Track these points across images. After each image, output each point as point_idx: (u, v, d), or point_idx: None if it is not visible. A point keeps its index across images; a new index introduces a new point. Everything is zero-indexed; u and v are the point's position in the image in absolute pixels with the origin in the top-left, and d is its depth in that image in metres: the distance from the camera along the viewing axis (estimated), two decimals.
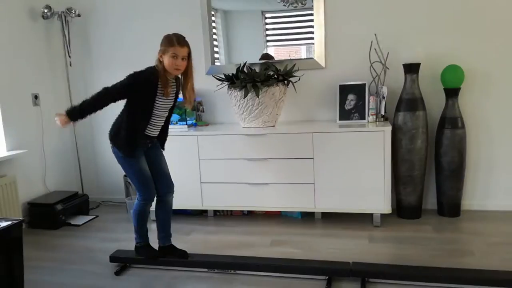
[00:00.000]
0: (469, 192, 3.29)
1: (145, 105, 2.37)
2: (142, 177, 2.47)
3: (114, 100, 2.37)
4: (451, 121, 3.05)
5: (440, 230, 2.97)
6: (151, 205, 2.56)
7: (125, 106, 2.43)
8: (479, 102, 3.17)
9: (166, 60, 2.31)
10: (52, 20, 3.70)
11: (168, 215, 2.63)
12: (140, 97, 2.35)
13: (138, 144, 2.43)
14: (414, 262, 2.46)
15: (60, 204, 3.46)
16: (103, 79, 3.84)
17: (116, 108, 2.46)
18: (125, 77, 2.36)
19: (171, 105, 2.50)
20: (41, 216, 3.42)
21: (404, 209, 3.18)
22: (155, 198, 2.57)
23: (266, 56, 3.52)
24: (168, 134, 2.66)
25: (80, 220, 3.56)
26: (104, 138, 3.89)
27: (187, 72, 2.41)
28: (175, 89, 2.48)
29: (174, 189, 2.64)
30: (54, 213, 3.39)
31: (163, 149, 2.64)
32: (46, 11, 3.60)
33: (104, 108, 2.38)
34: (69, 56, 3.78)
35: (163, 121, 2.52)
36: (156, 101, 2.37)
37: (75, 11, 3.66)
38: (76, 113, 2.37)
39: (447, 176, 3.12)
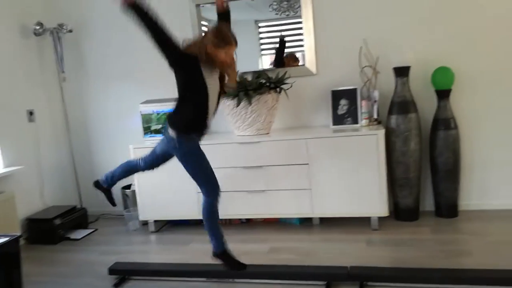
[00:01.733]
0: (466, 192, 3.30)
1: (196, 81, 2.28)
2: (209, 168, 2.40)
3: (165, 39, 2.22)
4: (444, 122, 3.07)
5: (438, 231, 2.97)
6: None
7: (179, 93, 2.34)
8: (471, 102, 3.19)
9: (220, 54, 2.27)
10: (44, 36, 3.73)
11: None
12: (188, 72, 2.27)
13: (202, 126, 2.39)
14: (412, 264, 2.46)
15: (59, 219, 3.46)
16: (99, 93, 3.89)
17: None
18: None
19: (218, 88, 2.42)
20: (40, 231, 3.43)
21: (402, 211, 3.19)
22: None
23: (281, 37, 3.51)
24: None
25: (79, 234, 3.56)
26: (101, 149, 3.94)
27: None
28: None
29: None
30: (52, 228, 3.39)
31: None
32: (37, 28, 3.63)
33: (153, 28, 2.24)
34: (63, 72, 3.80)
35: (216, 106, 2.44)
36: (205, 79, 2.29)
37: (66, 27, 3.68)
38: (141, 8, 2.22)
39: (443, 177, 3.14)
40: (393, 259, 2.60)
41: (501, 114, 3.16)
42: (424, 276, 2.25)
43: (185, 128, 2.35)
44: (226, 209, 3.26)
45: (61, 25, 3.68)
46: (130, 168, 2.70)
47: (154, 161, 2.62)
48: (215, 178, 2.42)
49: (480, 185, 3.28)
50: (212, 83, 2.34)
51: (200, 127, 2.39)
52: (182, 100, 2.35)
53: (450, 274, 2.25)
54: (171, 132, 2.35)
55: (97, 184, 2.78)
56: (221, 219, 3.44)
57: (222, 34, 2.30)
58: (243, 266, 2.46)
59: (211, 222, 2.42)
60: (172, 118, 2.39)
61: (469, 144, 3.23)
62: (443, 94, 3.07)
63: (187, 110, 2.34)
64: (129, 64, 3.76)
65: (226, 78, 2.46)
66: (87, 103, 3.94)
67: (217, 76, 2.39)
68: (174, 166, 3.21)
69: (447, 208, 3.18)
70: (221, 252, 2.44)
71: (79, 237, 3.50)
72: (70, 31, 3.73)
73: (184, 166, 2.41)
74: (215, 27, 2.37)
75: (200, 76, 2.27)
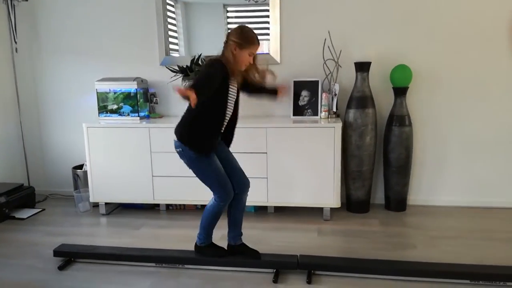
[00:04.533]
0: (415, 188, 3.43)
1: (220, 97, 2.22)
2: (221, 177, 2.32)
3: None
4: (399, 119, 3.16)
5: (386, 224, 3.07)
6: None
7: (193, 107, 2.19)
8: (426, 101, 3.30)
9: (242, 55, 2.23)
10: None
11: (241, 213, 2.50)
12: (217, 88, 2.18)
13: (215, 142, 2.31)
14: (359, 255, 2.54)
15: (4, 197, 3.31)
16: (51, 66, 3.72)
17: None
18: (204, 69, 2.25)
19: (236, 97, 2.36)
20: None
21: (353, 203, 3.27)
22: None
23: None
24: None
25: (25, 213, 3.41)
26: (52, 126, 3.78)
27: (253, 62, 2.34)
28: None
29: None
30: None
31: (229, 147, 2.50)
32: None
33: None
34: (15, 42, 3.60)
35: (231, 115, 2.37)
36: (229, 93, 2.25)
37: None
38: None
39: (394, 172, 3.23)
40: (342, 249, 2.66)
41: (454, 115, 3.28)
42: (371, 267, 2.32)
43: (190, 143, 2.27)
44: (181, 194, 3.23)
45: None
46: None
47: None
48: (225, 185, 2.33)
49: (429, 182, 3.41)
50: (232, 95, 2.30)
51: (209, 142, 2.29)
52: (196, 116, 2.24)
53: (395, 266, 2.33)
54: (176, 141, 2.30)
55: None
56: (176, 205, 3.44)
57: (246, 34, 2.25)
58: (225, 250, 2.53)
59: (209, 221, 2.44)
60: (181, 130, 2.30)
61: (422, 141, 3.35)
62: (400, 92, 3.15)
63: (199, 128, 2.25)
64: (86, 39, 3.61)
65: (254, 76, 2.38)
66: (40, 76, 3.76)
67: (237, 87, 2.34)
68: (127, 148, 3.14)
69: (396, 202, 3.30)
70: (204, 245, 2.50)
71: (25, 216, 3.35)
72: (25, 0, 3.52)
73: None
74: (238, 28, 2.28)
75: (226, 91, 2.22)
